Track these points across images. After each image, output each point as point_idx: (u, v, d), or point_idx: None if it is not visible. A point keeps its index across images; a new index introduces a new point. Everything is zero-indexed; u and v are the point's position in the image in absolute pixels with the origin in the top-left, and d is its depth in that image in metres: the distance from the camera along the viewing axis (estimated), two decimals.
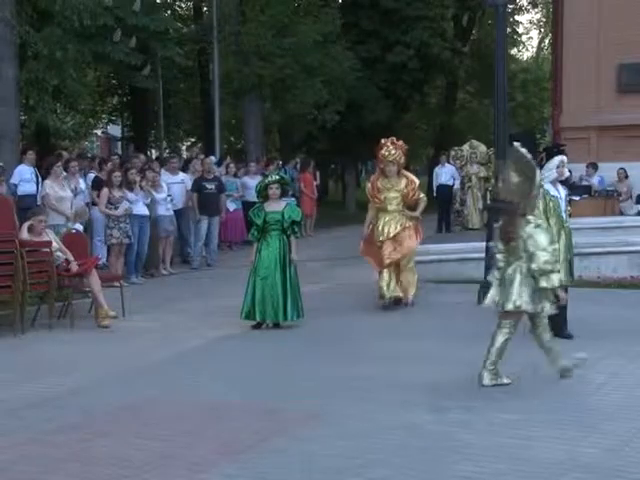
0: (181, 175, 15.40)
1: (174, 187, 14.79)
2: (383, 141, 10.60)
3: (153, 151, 31.21)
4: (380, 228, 10.44)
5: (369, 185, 10.87)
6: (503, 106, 10.94)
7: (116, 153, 24.34)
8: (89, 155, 19.48)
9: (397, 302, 10.48)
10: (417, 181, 10.75)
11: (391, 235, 10.31)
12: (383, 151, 10.46)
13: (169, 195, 14.25)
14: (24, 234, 9.53)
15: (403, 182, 10.51)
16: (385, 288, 10.29)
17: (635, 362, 7.38)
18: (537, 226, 6.63)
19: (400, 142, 10.58)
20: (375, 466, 4.90)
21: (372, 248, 10.51)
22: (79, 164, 14.14)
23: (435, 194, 20.70)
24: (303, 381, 6.93)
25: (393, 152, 10.42)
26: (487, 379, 6.62)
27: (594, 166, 17.68)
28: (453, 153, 21.25)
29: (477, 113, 40.00)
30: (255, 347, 8.52)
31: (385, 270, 10.31)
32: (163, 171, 15.03)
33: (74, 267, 9.78)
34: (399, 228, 10.38)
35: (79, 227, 11.94)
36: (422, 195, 10.74)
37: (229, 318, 9.54)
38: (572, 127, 18.02)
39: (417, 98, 30.55)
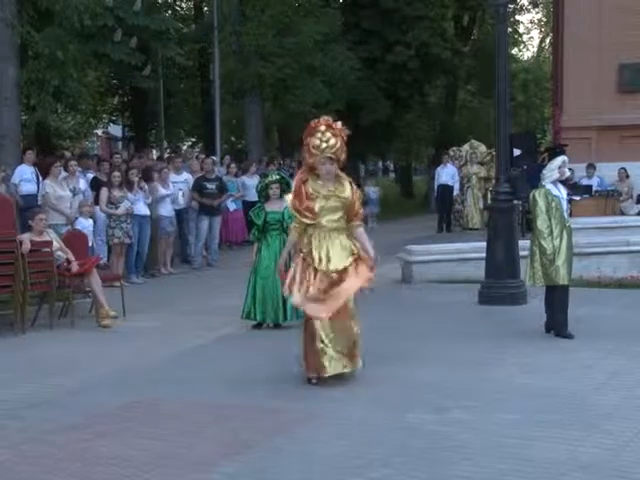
0: (185, 174, 15.43)
1: (178, 186, 14.82)
2: (313, 124, 6.77)
3: (154, 151, 31.17)
4: (317, 254, 6.76)
5: (290, 200, 6.96)
6: (504, 106, 10.93)
7: (118, 152, 24.28)
8: (91, 154, 19.51)
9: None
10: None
11: (339, 268, 6.72)
12: (316, 140, 6.67)
13: (180, 190, 14.43)
14: (26, 246, 9.39)
15: (347, 187, 6.86)
16: (325, 359, 6.73)
17: (635, 362, 7.37)
18: None
19: (338, 124, 6.77)
20: (375, 466, 4.90)
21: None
22: (82, 163, 14.14)
23: (436, 194, 20.73)
24: (303, 381, 6.92)
25: (332, 142, 6.66)
26: None
27: (592, 167, 17.70)
28: (452, 153, 21.30)
29: (478, 113, 39.96)
30: (255, 347, 8.51)
31: (322, 326, 6.73)
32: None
33: (75, 267, 9.78)
34: (350, 259, 6.79)
35: (89, 222, 11.93)
36: (360, 211, 7.02)
37: (229, 318, 9.54)
38: (573, 127, 18.02)
39: (417, 98, 30.53)
